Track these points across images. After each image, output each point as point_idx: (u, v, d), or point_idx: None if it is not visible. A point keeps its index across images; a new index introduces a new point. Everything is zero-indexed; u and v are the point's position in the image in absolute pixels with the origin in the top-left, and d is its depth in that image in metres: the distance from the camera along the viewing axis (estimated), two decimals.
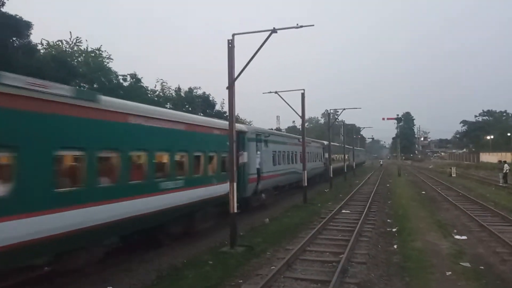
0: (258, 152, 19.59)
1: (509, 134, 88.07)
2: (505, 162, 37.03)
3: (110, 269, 10.08)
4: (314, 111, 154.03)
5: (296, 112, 25.02)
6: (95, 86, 29.84)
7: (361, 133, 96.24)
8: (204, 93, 43.78)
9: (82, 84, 29.79)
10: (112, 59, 33.86)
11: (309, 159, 29.16)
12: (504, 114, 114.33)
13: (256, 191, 19.29)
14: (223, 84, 12.80)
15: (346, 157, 50.02)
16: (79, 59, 32.20)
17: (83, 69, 30.74)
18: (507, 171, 33.83)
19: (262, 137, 20.61)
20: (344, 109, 40.13)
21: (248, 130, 19.17)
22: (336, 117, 46.10)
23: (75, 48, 32.41)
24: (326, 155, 37.88)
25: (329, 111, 47.61)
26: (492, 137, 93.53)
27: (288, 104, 24.77)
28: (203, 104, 42.54)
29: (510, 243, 11.63)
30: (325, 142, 39.36)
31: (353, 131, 69.40)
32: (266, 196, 20.92)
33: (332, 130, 42.20)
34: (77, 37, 32.43)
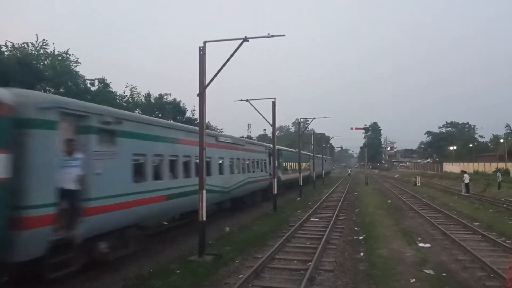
0: (80, 155, 9.08)
1: (471, 145, 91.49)
2: (465, 172, 38.42)
3: (74, 278, 9.76)
4: (285, 120, 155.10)
5: (266, 120, 25.18)
6: (61, 90, 29.04)
7: (331, 142, 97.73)
8: (174, 99, 43.43)
9: (48, 88, 28.95)
10: (80, 63, 33.04)
11: (239, 168, 21.48)
12: (467, 125, 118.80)
13: (60, 242, 8.53)
14: (194, 91, 12.76)
15: (307, 166, 46.56)
16: (45, 62, 31.27)
17: (49, 72, 29.83)
18: (468, 181, 35.09)
19: (91, 122, 9.59)
20: (314, 118, 40.59)
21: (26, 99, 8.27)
22: (306, 126, 46.68)
23: (41, 51, 31.48)
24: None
25: (299, 120, 48.18)
26: (455, 147, 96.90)
27: (259, 112, 24.92)
28: (174, 110, 42.14)
29: (472, 251, 12.03)
30: (266, 144, 31.71)
31: (322, 140, 70.28)
32: (107, 249, 10.29)
33: (302, 139, 42.61)
34: (44, 39, 31.49)
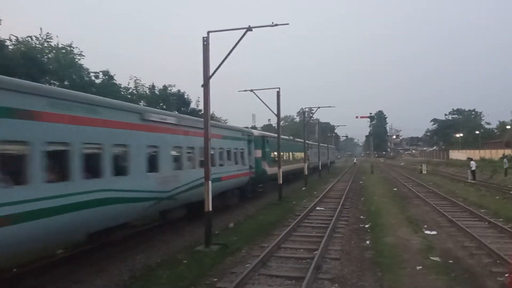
0: None
1: (477, 132, 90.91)
2: (471, 159, 38.22)
3: (83, 269, 9.89)
4: (290, 110, 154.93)
5: (271, 110, 25.16)
6: (66, 83, 29.10)
7: (336, 131, 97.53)
8: (179, 91, 43.33)
9: (52, 81, 29.02)
10: (84, 56, 33.05)
11: (194, 161, 15.41)
12: (473, 112, 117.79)
13: None
14: (198, 82, 12.73)
15: (303, 155, 39.87)
16: (50, 55, 31.27)
17: (53, 65, 29.87)
18: (475, 168, 34.91)
19: None
20: (319, 107, 40.53)
21: None
22: (311, 115, 46.47)
23: (46, 44, 31.46)
24: (257, 152, 24.71)
25: (304, 110, 47.92)
26: (461, 135, 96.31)
27: (264, 103, 24.86)
28: (178, 102, 42.10)
29: (478, 237, 12.01)
30: (255, 132, 27.80)
31: (327, 130, 70.16)
32: None
33: (308, 128, 42.54)
34: (48, 33, 31.48)
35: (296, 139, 42.73)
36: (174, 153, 13.83)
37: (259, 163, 24.83)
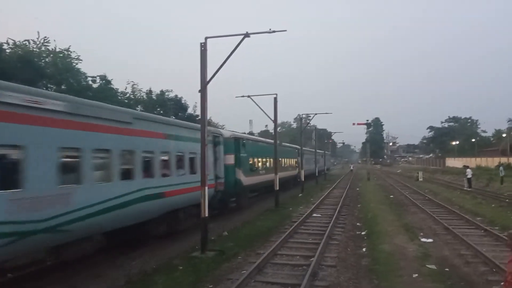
0: None
1: (473, 140, 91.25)
2: (467, 167, 38.32)
3: (79, 274, 9.82)
4: (287, 116, 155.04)
5: (268, 116, 25.16)
6: (63, 87, 29.07)
7: (333, 137, 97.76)
8: (176, 96, 43.41)
9: (49, 86, 28.98)
10: (81, 60, 33.04)
11: (110, 171, 10.88)
12: (469, 120, 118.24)
13: None
14: (195, 87, 12.76)
15: (293, 162, 37.30)
16: (47, 59, 31.26)
17: (50, 69, 29.86)
18: (471, 176, 35.00)
19: None
20: (316, 113, 40.58)
21: None
22: (308, 121, 46.64)
23: (43, 48, 31.46)
24: (228, 158, 20.54)
25: (301, 116, 48.06)
26: (457, 142, 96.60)
27: (261, 108, 24.89)
28: (175, 107, 42.13)
29: (474, 245, 12.02)
30: (226, 133, 22.40)
31: (324, 136, 70.27)
32: None
33: (305, 135, 42.58)
34: (45, 37, 31.47)
35: (285, 143, 39.12)
36: (62, 157, 9.11)
37: (231, 171, 20.52)
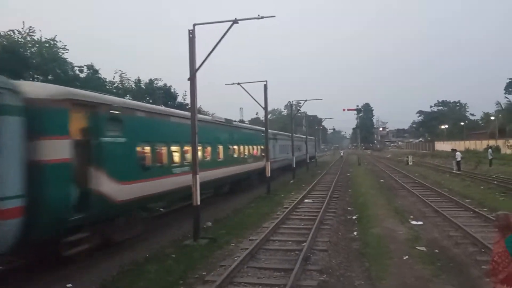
0: None
1: (462, 124, 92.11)
2: (456, 150, 38.75)
3: (71, 265, 9.79)
4: (277, 103, 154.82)
5: (258, 104, 25.08)
6: (49, 77, 28.64)
7: (323, 124, 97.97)
8: (165, 84, 43.05)
9: (36, 76, 28.54)
10: (68, 50, 32.54)
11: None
12: (458, 104, 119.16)
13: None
14: (185, 75, 12.64)
15: (256, 152, 26.87)
16: (33, 49, 30.73)
17: (36, 60, 29.41)
18: (460, 159, 35.42)
19: None
20: (306, 100, 40.62)
21: None
22: (299, 108, 46.57)
23: (28, 38, 30.90)
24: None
25: (291, 103, 47.99)
26: (446, 126, 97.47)
27: (251, 96, 24.78)
28: (165, 96, 41.82)
29: (463, 227, 12.20)
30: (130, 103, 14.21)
31: (315, 122, 70.37)
32: None
33: (295, 121, 42.55)
34: (30, 26, 30.89)
35: (240, 124, 30.76)
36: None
37: (58, 179, 9.08)
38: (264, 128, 26.35)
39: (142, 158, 12.67)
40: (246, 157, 24.50)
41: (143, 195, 12.16)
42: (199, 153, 15.08)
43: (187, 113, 14.35)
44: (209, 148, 18.22)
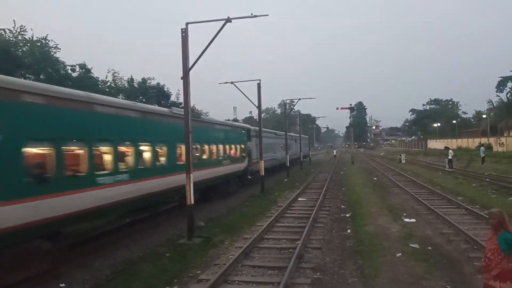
0: None
1: (454, 122, 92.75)
2: (448, 148, 39.01)
3: (64, 265, 9.74)
4: (271, 102, 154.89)
5: (252, 102, 25.07)
6: (41, 77, 28.42)
7: (317, 122, 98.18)
8: (158, 83, 42.89)
9: (27, 75, 28.31)
10: (60, 49, 32.29)
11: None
12: (450, 102, 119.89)
13: None
14: (178, 74, 12.61)
15: (233, 151, 22.97)
16: (24, 48, 30.48)
17: (28, 59, 29.18)
18: (452, 157, 35.67)
19: None
20: (300, 99, 40.58)
21: None
22: (292, 107, 46.67)
23: (20, 37, 30.63)
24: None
25: (285, 101, 48.03)
26: (438, 124, 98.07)
27: (244, 95, 24.79)
28: (158, 95, 41.65)
29: (455, 224, 12.29)
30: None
31: (308, 121, 70.49)
32: None
33: (289, 120, 42.58)
34: (22, 25, 30.62)
35: (212, 119, 23.93)
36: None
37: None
38: (245, 125, 25.37)
39: (39, 164, 8.68)
40: (221, 158, 20.68)
41: (45, 217, 8.36)
42: (148, 154, 13.02)
43: (125, 102, 12.86)
44: (165, 148, 14.27)
